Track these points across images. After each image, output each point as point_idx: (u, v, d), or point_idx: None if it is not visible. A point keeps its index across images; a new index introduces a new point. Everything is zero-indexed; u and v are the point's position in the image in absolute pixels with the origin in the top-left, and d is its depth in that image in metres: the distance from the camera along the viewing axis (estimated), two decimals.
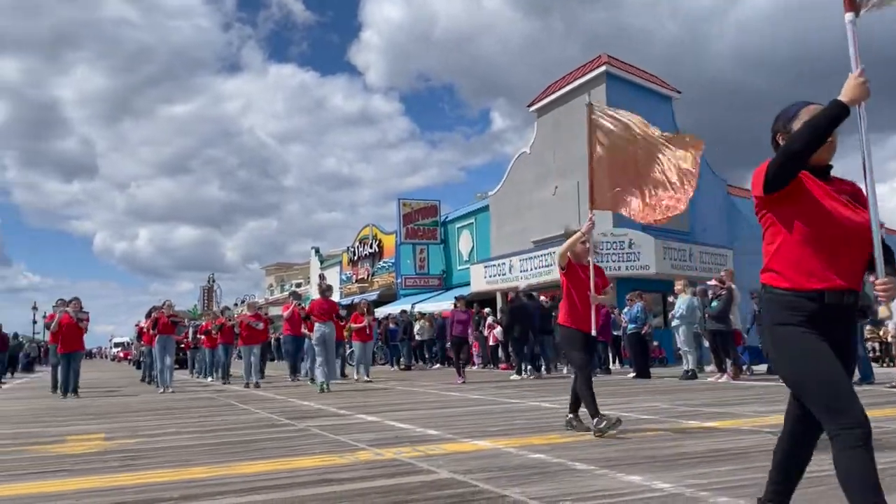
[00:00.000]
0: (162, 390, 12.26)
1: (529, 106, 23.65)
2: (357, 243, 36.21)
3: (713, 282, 12.07)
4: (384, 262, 33.28)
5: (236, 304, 61.01)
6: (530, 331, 14.33)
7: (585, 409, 5.55)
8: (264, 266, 72.23)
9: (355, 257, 36.21)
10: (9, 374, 22.10)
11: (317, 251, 46.14)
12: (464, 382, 12.03)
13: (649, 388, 10.53)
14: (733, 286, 12.06)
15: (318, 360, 11.50)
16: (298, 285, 56.96)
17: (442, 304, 25.05)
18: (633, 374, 12.86)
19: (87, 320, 12.60)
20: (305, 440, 5.63)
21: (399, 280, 29.92)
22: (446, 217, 29.44)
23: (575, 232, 5.93)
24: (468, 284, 24.92)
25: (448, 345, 17.38)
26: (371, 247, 34.46)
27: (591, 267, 5.77)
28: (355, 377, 14.26)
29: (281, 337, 26.70)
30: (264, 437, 5.93)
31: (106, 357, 75.37)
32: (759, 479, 3.56)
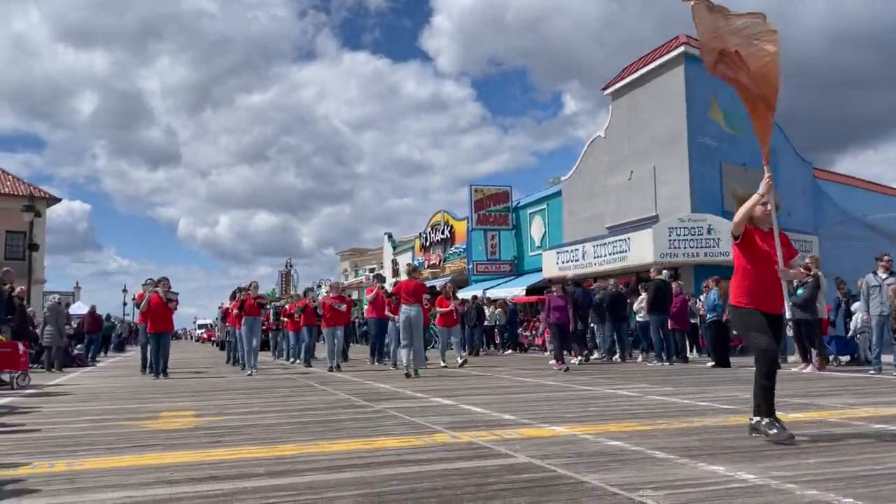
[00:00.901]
0: (249, 372, 12.34)
1: (604, 89, 23.21)
2: (429, 229, 36.53)
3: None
4: (456, 248, 33.45)
5: (312, 289, 62.61)
6: (578, 318, 14.81)
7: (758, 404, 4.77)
8: (339, 251, 73.69)
9: (427, 243, 36.55)
10: (102, 354, 23.39)
11: (389, 237, 46.74)
12: (567, 370, 11.40)
13: (729, 377, 10.25)
14: (820, 273, 11.58)
15: (403, 343, 11.22)
16: (372, 270, 57.93)
17: (513, 290, 25.03)
18: (711, 364, 12.53)
19: (177, 301, 12.74)
20: (383, 421, 5.76)
21: (471, 266, 30.00)
22: (518, 203, 29.31)
23: (748, 196, 4.89)
24: (540, 270, 24.79)
25: (520, 330, 17.34)
26: (443, 232, 34.71)
27: (775, 234, 4.82)
28: (441, 364, 13.76)
29: (360, 320, 27.20)
30: (344, 417, 6.10)
31: (190, 338, 78.72)
32: (850, 472, 3.47)
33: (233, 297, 16.35)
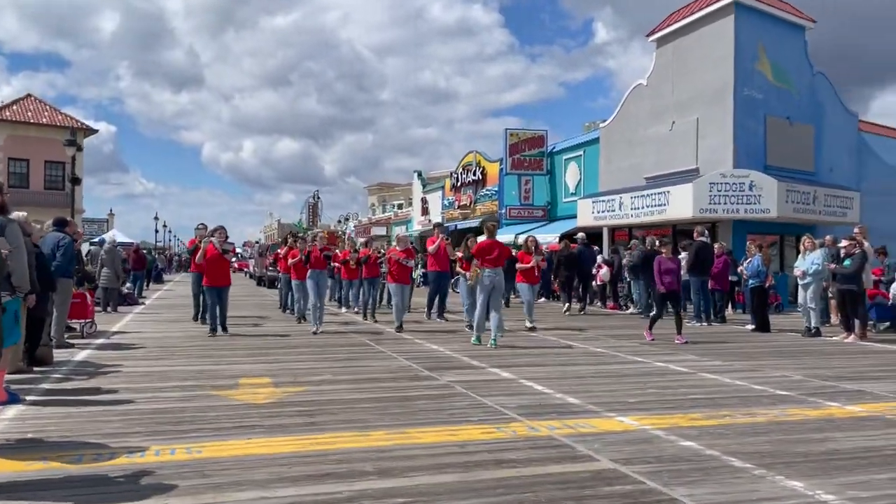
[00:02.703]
0: (315, 329, 11.63)
1: (648, 35, 22.64)
2: (460, 169, 36.45)
3: (845, 241, 11.61)
4: (487, 190, 33.47)
5: (340, 222, 63.19)
6: (577, 275, 17.27)
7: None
8: (367, 185, 73.92)
9: (458, 183, 36.53)
10: (146, 288, 24.11)
11: (419, 174, 46.73)
12: (653, 340, 10.73)
13: (773, 347, 10.46)
14: (867, 244, 11.61)
15: (478, 310, 10.25)
16: (400, 206, 58.21)
17: (546, 237, 25.14)
18: (751, 327, 12.74)
19: (234, 251, 12.44)
20: (457, 402, 6.09)
21: (503, 210, 30.09)
22: (553, 147, 29.08)
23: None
24: (574, 217, 24.81)
25: (573, 280, 17.27)
26: (475, 174, 34.64)
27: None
28: (528, 324, 12.48)
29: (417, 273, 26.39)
30: (414, 394, 6.44)
31: None
32: None
33: (285, 241, 16.09)
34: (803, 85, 21.09)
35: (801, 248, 12.31)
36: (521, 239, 24.22)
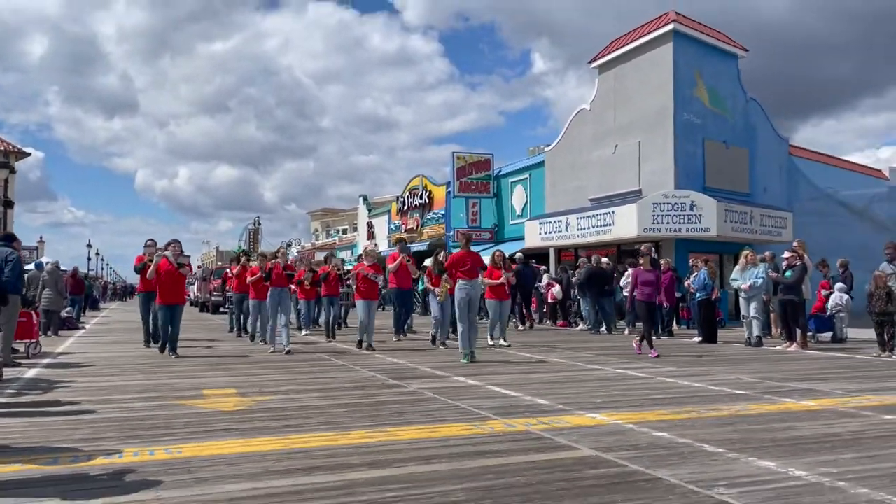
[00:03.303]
0: (272, 349, 11.16)
1: (591, 62, 23.42)
2: (407, 193, 36.63)
3: (787, 254, 12.20)
4: (434, 213, 33.70)
5: (333, 255, 62.23)
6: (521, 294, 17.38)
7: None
8: (309, 211, 73.28)
9: (405, 207, 36.68)
10: (83, 314, 23.25)
11: (365, 199, 46.69)
12: (658, 357, 10.24)
13: (722, 355, 10.85)
14: (807, 257, 12.22)
15: (462, 326, 9.92)
16: (345, 231, 57.90)
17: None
18: (698, 339, 13.17)
19: (189, 266, 11.32)
20: (429, 405, 6.12)
21: (451, 233, 30.29)
22: (499, 171, 29.57)
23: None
24: (521, 239, 25.21)
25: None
26: (421, 197, 34.88)
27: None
28: (489, 342, 12.46)
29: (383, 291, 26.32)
30: (387, 399, 6.44)
31: None
32: (885, 469, 3.94)
33: (237, 259, 15.20)
34: (738, 110, 22.12)
35: (743, 261, 12.82)
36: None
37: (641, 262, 11.41)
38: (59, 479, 3.73)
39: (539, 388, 7.12)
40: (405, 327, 14.08)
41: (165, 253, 10.78)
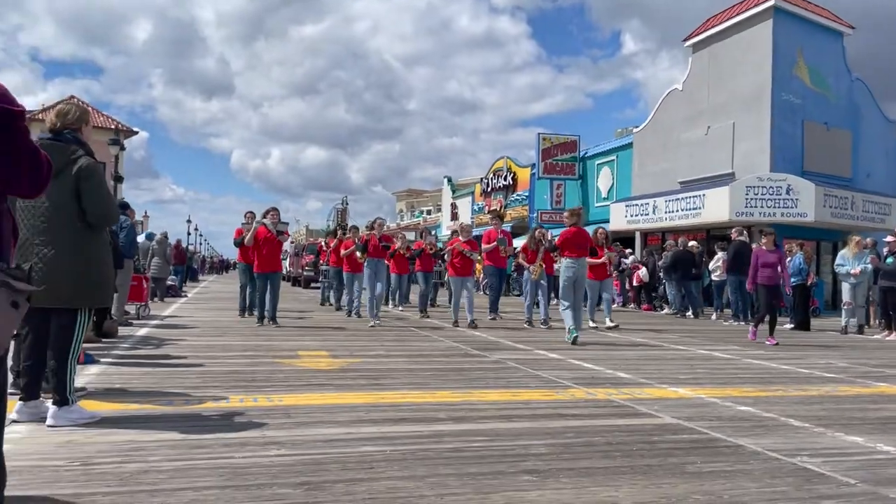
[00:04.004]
0: (371, 323, 10.77)
1: (685, 41, 22.75)
2: (491, 175, 36.69)
3: (889, 238, 11.63)
4: (518, 195, 33.66)
5: (430, 231, 63.58)
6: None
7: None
8: (395, 192, 74.43)
9: (488, 188, 36.77)
10: (185, 284, 24.61)
11: (449, 180, 47.01)
12: (777, 344, 9.59)
13: (814, 342, 10.51)
14: None
15: (566, 304, 9.20)
16: (429, 212, 58.61)
17: None
18: (790, 326, 12.76)
19: (287, 234, 10.77)
20: (511, 373, 6.29)
21: (534, 214, 30.22)
22: (585, 153, 29.20)
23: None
24: (605, 222, 24.88)
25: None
26: (505, 179, 34.87)
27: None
28: (590, 324, 11.77)
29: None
30: (470, 366, 6.65)
31: None
32: None
33: (333, 233, 15.04)
34: (841, 90, 21.03)
35: (853, 245, 12.17)
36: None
37: (764, 241, 10.45)
38: (175, 417, 4.12)
39: (621, 364, 7.15)
40: (498, 308, 13.21)
41: (264, 221, 10.70)
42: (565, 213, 9.98)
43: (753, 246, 10.80)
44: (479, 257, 11.49)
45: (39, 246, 3.86)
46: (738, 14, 20.49)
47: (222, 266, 65.60)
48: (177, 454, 3.30)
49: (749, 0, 20.44)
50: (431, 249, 14.19)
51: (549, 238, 11.66)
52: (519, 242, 17.02)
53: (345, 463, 3.22)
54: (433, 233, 18.79)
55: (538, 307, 11.76)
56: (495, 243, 12.06)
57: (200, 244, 79.64)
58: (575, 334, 8.89)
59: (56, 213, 3.88)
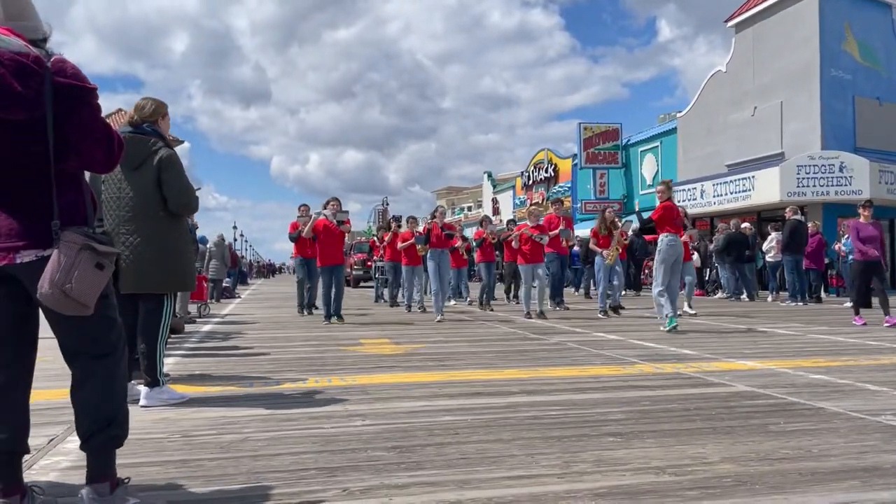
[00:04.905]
0: (438, 318, 10.02)
1: (727, 21, 22.34)
2: (532, 168, 36.57)
3: None
4: (560, 187, 33.46)
5: (489, 219, 63.94)
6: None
7: None
8: (434, 190, 74.59)
9: (529, 181, 36.65)
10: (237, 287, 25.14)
11: (489, 175, 47.03)
12: (865, 325, 9.00)
13: (877, 318, 10.24)
14: None
15: (660, 286, 8.41)
16: (469, 208, 58.62)
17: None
18: (850, 304, 12.44)
19: (349, 223, 10.22)
20: (574, 353, 6.32)
21: (577, 205, 30.02)
22: (628, 140, 28.89)
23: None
24: (651, 209, 24.59)
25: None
26: (546, 171, 34.72)
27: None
28: (689, 311, 11.13)
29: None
30: (532, 348, 6.69)
31: (292, 272, 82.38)
32: None
33: (388, 227, 14.21)
34: (892, 64, 20.41)
35: None
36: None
37: (863, 214, 9.54)
38: (258, 396, 4.27)
39: (683, 342, 7.11)
40: (559, 296, 12.84)
41: (324, 212, 10.05)
42: (659, 187, 9.14)
43: (850, 220, 9.83)
44: (547, 240, 10.55)
45: (125, 235, 4.05)
46: None
47: (270, 270, 66.76)
48: (268, 426, 3.43)
49: None
50: (493, 238, 13.30)
51: (608, 216, 11.10)
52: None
53: (430, 430, 3.31)
54: (493, 220, 16.92)
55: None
56: (557, 231, 11.35)
57: (246, 250, 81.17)
58: (674, 322, 8.02)
59: (140, 203, 4.07)
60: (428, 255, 10.86)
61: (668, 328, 7.99)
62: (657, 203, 9.01)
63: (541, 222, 10.78)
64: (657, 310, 8.62)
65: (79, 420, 2.23)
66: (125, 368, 2.37)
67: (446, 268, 11.03)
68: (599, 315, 10.56)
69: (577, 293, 18.92)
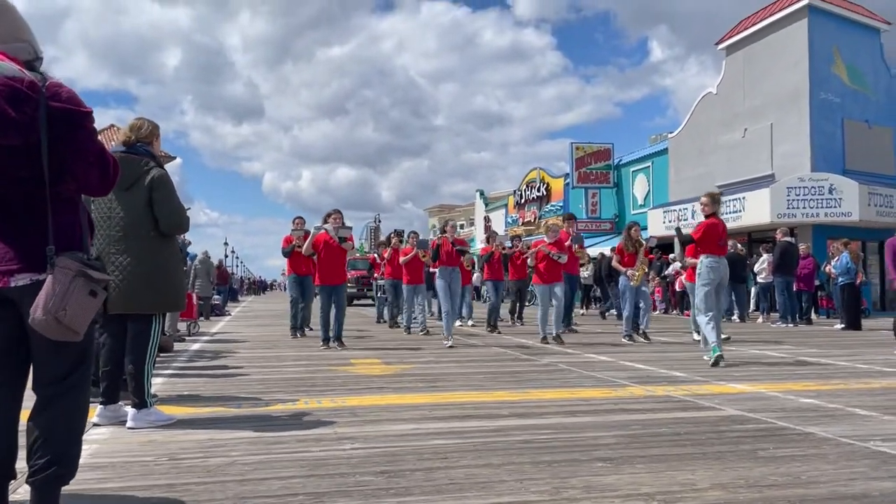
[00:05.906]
0: (449, 343, 9.12)
1: (717, 43, 22.61)
2: (524, 186, 36.72)
3: None
4: (552, 206, 33.59)
5: (496, 234, 64.00)
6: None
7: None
8: (426, 208, 74.73)
9: (522, 200, 36.78)
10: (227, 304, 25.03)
11: (481, 193, 47.16)
12: None
13: (868, 340, 10.30)
14: None
15: (707, 314, 7.43)
16: (461, 226, 58.78)
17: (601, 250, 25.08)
18: (841, 326, 12.52)
19: (352, 240, 9.38)
20: (565, 374, 6.31)
21: None
22: (619, 160, 29.09)
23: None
24: (644, 229, 24.69)
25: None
26: (538, 190, 34.87)
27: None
28: (695, 336, 9.84)
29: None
30: (523, 369, 6.68)
31: (284, 289, 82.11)
32: None
33: (388, 242, 13.23)
34: (881, 87, 20.69)
35: None
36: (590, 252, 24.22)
37: None
38: (246, 418, 4.24)
39: (673, 364, 7.12)
40: (572, 318, 12.35)
41: (325, 226, 8.97)
42: (703, 199, 7.97)
43: (890, 239, 9.35)
44: (565, 258, 9.79)
45: (115, 255, 4.04)
46: (772, 14, 20.33)
47: (260, 286, 66.48)
48: (256, 449, 3.41)
49: (783, 0, 20.28)
50: (503, 250, 12.40)
51: (633, 233, 10.22)
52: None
53: (420, 454, 3.29)
54: (499, 234, 15.85)
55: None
56: (569, 241, 10.46)
57: (237, 266, 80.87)
58: (718, 352, 7.02)
59: (130, 223, 4.06)
60: (437, 273, 10.01)
61: (712, 358, 7.02)
62: (647, 223, 8.99)
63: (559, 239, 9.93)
64: (701, 339, 8.13)
65: (31, 450, 2.17)
66: (88, 402, 2.35)
67: (457, 286, 10.17)
68: (623, 340, 9.87)
69: (583, 313, 19.05)
